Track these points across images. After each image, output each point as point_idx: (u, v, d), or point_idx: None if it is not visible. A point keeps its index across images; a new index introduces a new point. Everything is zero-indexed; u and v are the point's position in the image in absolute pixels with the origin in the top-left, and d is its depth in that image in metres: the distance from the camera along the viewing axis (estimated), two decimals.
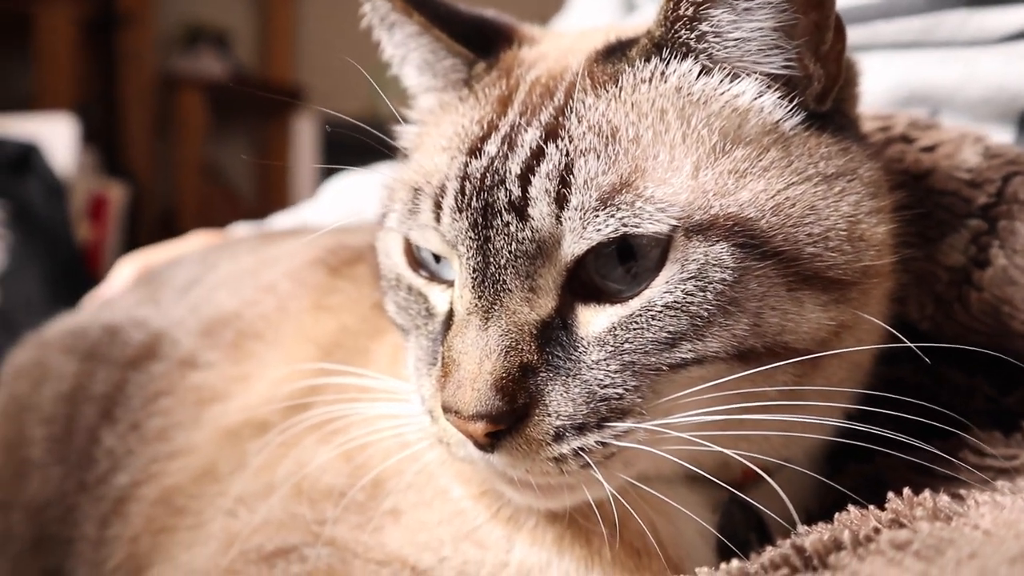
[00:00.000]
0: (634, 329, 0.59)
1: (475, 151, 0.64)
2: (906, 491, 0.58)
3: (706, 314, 0.58)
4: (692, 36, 0.63)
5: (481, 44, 0.74)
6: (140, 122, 4.37)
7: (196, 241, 1.39)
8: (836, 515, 0.59)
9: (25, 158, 2.52)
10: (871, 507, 0.58)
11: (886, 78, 0.99)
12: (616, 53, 0.67)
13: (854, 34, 1.01)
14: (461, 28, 0.74)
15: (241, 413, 0.87)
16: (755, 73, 0.64)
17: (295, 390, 0.83)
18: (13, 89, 3.74)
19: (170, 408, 0.93)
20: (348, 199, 1.55)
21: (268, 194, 5.04)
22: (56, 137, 2.75)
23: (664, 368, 0.59)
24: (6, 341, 2.03)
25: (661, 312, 0.58)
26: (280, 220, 1.69)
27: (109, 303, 1.19)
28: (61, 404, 1.02)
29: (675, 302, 0.58)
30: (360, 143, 0.75)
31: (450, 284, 0.67)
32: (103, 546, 0.90)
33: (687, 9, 0.62)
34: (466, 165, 0.63)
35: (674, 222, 0.58)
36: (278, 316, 0.96)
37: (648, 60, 0.64)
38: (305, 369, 0.85)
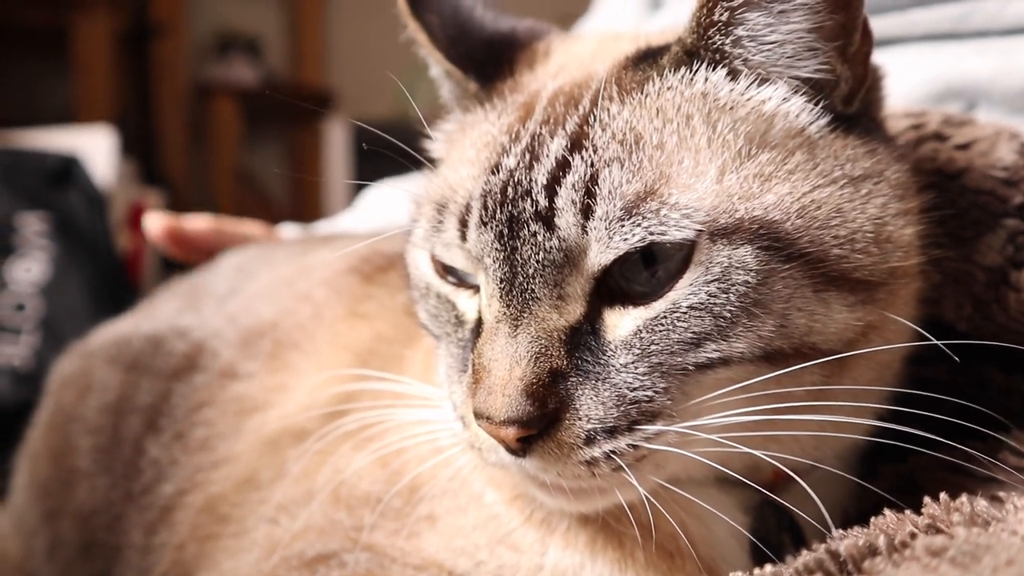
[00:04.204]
0: (659, 331, 0.59)
1: (498, 165, 0.64)
2: (943, 496, 0.57)
3: (729, 315, 0.58)
4: (727, 41, 0.63)
5: (494, 60, 0.75)
6: (175, 131, 4.45)
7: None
8: (872, 519, 0.58)
9: (67, 170, 2.56)
10: (907, 511, 0.57)
11: (921, 72, 0.98)
12: (647, 60, 0.67)
13: (889, 23, 1.01)
14: (467, 47, 0.75)
15: (280, 422, 0.88)
16: (785, 77, 0.63)
17: (331, 397, 0.85)
18: (52, 102, 3.82)
19: (212, 418, 0.95)
20: (386, 208, 1.57)
21: (302, 198, 5.09)
22: (96, 149, 2.80)
23: (691, 368, 0.59)
24: (51, 349, 2.09)
25: (686, 313, 0.58)
26: (321, 230, 1.72)
27: (151, 311, 1.21)
28: (106, 415, 1.05)
29: (699, 303, 0.58)
30: (392, 146, 0.76)
31: (477, 290, 0.67)
32: (150, 553, 0.92)
33: (722, 14, 0.62)
34: (489, 180, 0.64)
35: (699, 227, 0.58)
36: (314, 325, 0.97)
37: (679, 67, 0.64)
38: (341, 376, 0.86)
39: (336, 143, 5.10)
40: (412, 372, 0.82)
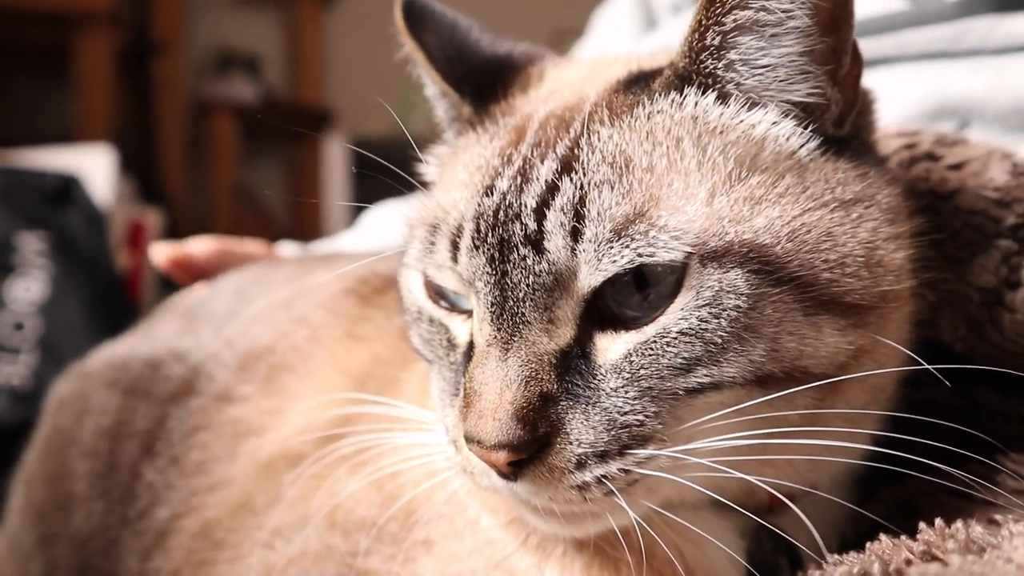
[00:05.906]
0: (649, 355, 0.59)
1: (491, 188, 0.65)
2: (938, 522, 0.57)
3: (720, 340, 0.58)
4: (720, 65, 0.63)
5: (490, 83, 0.75)
6: (174, 148, 4.45)
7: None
8: (868, 545, 0.58)
9: (66, 189, 2.57)
10: (903, 537, 0.57)
11: (915, 90, 0.98)
12: (638, 83, 0.67)
13: (882, 44, 1.01)
14: (465, 69, 0.76)
15: (276, 445, 0.88)
16: (776, 100, 0.64)
17: (327, 420, 0.84)
18: (52, 121, 3.83)
19: (208, 442, 0.94)
20: (388, 229, 1.57)
21: (301, 215, 5.10)
22: (95, 168, 2.80)
23: (681, 393, 0.59)
24: (50, 368, 2.09)
25: (676, 339, 0.58)
26: (319, 249, 1.71)
27: (150, 333, 1.21)
28: (103, 439, 1.04)
29: (690, 328, 0.58)
30: (391, 162, 0.76)
31: (470, 314, 0.67)
32: None
33: (714, 39, 0.62)
34: (481, 203, 0.64)
35: (688, 249, 0.58)
36: (310, 347, 0.97)
37: (670, 91, 0.65)
38: (337, 399, 0.86)
39: (335, 160, 5.10)
40: (408, 395, 0.82)
